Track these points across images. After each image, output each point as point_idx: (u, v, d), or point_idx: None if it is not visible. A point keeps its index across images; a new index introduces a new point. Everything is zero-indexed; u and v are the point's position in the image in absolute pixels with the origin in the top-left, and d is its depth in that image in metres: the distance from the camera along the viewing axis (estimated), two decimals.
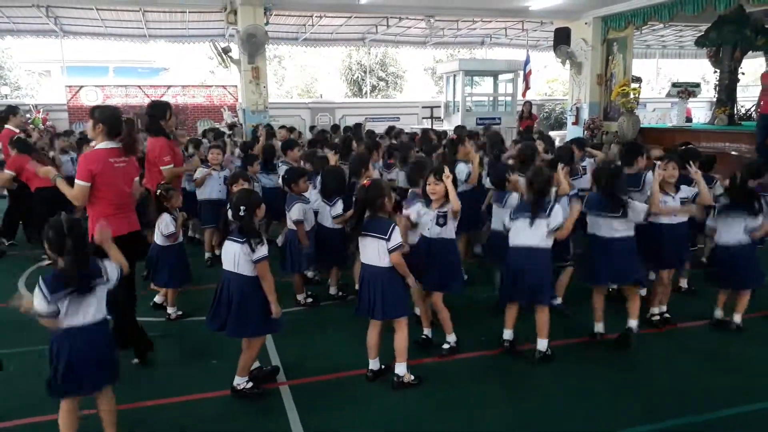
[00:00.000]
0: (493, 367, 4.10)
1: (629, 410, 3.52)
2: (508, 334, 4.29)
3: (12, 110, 7.42)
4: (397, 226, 3.63)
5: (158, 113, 5.33)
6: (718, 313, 4.76)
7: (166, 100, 5.71)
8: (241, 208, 3.47)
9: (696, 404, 3.57)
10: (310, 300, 5.29)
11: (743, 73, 13.08)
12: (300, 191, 5.04)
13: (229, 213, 3.58)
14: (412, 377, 3.81)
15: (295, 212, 4.95)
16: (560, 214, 4.01)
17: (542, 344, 4.12)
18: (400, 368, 3.79)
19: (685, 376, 3.95)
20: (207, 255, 6.58)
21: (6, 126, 7.27)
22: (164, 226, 4.86)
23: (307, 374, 3.98)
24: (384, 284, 3.66)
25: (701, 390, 3.76)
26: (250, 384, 3.69)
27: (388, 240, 3.56)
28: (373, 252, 3.65)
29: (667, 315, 4.80)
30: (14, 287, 5.84)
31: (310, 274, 5.75)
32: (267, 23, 12.34)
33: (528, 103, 13.94)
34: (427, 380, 3.87)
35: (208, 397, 3.70)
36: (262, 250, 3.48)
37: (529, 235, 4.04)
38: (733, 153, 10.32)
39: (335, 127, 12.27)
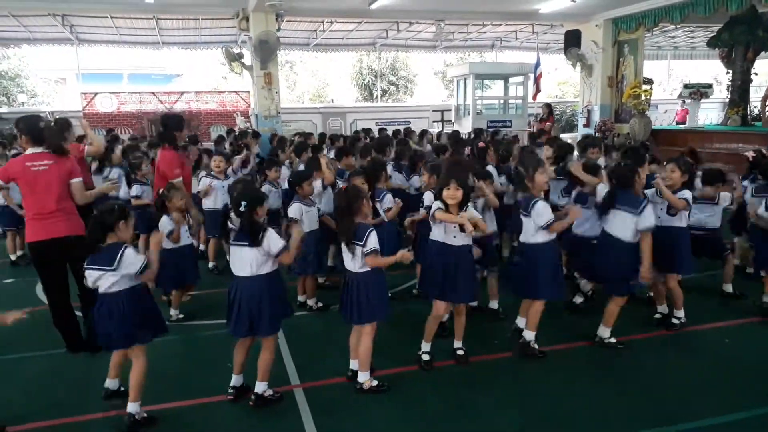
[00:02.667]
0: (505, 370, 4.12)
1: (639, 414, 3.52)
2: (521, 322, 4.38)
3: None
4: (373, 232, 3.61)
5: (174, 125, 5.47)
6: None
7: (179, 113, 5.85)
8: (242, 203, 3.45)
9: (707, 408, 3.57)
10: (320, 305, 5.34)
11: (756, 74, 12.98)
12: (305, 194, 5.07)
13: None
14: (374, 383, 3.81)
15: (292, 211, 4.93)
16: (544, 213, 4.00)
17: (529, 335, 4.22)
18: (362, 377, 3.81)
19: (696, 380, 3.95)
20: (211, 265, 6.62)
21: None
22: (162, 227, 4.93)
23: (320, 377, 4.02)
24: (359, 290, 3.69)
25: (712, 393, 3.75)
26: (271, 391, 3.72)
27: (363, 245, 3.58)
28: (351, 257, 3.68)
29: (675, 320, 4.73)
30: (32, 293, 5.95)
31: (320, 279, 5.79)
32: (279, 29, 12.45)
33: (546, 105, 13.86)
34: (439, 383, 3.90)
35: (222, 400, 3.74)
36: (278, 242, 3.48)
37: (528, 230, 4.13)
38: (746, 154, 10.23)
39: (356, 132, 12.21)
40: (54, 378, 4.11)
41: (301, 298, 5.39)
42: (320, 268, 5.24)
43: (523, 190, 4.16)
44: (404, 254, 3.64)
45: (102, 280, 3.29)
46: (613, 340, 4.40)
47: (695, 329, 4.73)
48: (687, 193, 4.55)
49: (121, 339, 3.37)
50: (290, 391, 3.86)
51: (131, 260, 3.28)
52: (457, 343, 4.21)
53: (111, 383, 3.69)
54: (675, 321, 4.72)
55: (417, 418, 3.52)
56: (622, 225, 4.23)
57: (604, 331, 4.40)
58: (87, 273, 3.30)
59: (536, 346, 4.22)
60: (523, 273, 4.19)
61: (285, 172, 7.27)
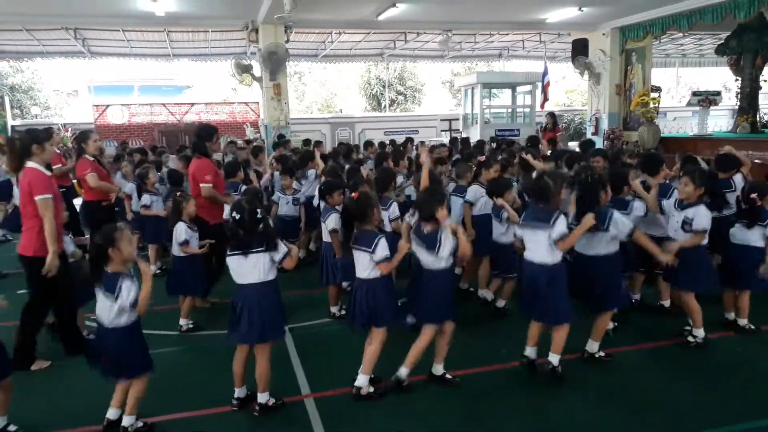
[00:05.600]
0: (515, 380, 4.09)
1: (651, 422, 3.51)
2: (530, 351, 4.16)
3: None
4: (382, 239, 3.68)
5: (205, 135, 5.66)
6: (730, 316, 4.89)
7: (214, 125, 6.05)
8: (259, 210, 3.52)
9: (718, 417, 3.56)
10: (343, 312, 5.34)
11: (765, 81, 12.98)
12: (335, 203, 5.12)
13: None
14: (371, 389, 3.85)
15: (331, 222, 5.00)
16: (563, 224, 3.76)
17: (554, 359, 4.00)
18: (361, 379, 3.84)
19: (708, 389, 3.93)
20: None
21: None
22: (177, 235, 4.96)
23: (331, 386, 4.02)
24: (368, 295, 3.74)
25: (723, 402, 3.73)
26: (273, 399, 3.74)
27: (372, 252, 3.64)
28: (361, 265, 3.76)
29: (691, 338, 4.56)
30: None
31: (345, 284, 5.76)
32: (287, 41, 12.59)
33: (551, 114, 13.87)
34: (448, 394, 3.89)
35: (231, 411, 3.75)
36: (283, 248, 3.57)
37: (537, 249, 3.87)
38: (756, 161, 10.20)
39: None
40: (65, 388, 4.14)
41: (334, 309, 5.41)
42: (347, 279, 5.24)
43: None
44: (403, 245, 3.74)
45: (107, 311, 3.30)
46: (602, 353, 4.31)
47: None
48: (703, 213, 4.31)
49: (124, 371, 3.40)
50: (300, 401, 3.87)
51: (125, 293, 3.23)
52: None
53: (112, 413, 3.54)
54: (691, 339, 4.54)
55: (429, 429, 3.52)
56: (596, 242, 4.11)
57: (592, 345, 4.30)
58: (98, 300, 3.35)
59: (560, 368, 4.02)
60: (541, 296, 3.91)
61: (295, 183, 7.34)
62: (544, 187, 3.82)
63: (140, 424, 3.49)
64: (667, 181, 5.12)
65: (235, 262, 3.55)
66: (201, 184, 5.46)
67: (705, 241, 4.40)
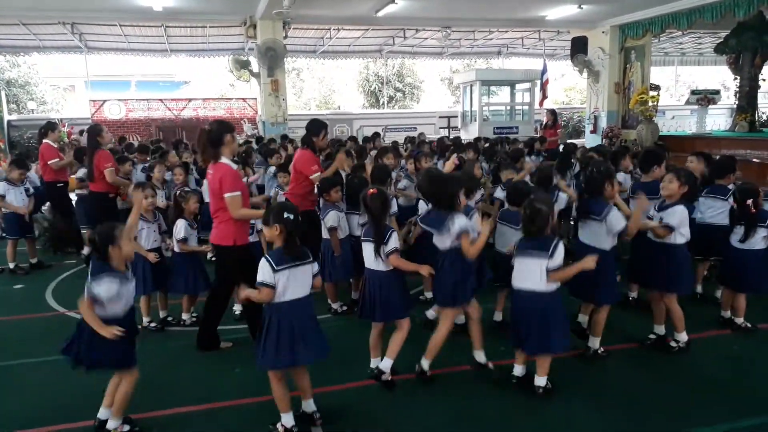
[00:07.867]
0: (510, 378, 3.98)
1: (647, 420, 3.50)
2: (518, 370, 3.93)
3: (51, 126, 7.76)
4: (394, 232, 3.73)
5: (314, 130, 5.74)
6: (726, 314, 4.87)
7: (324, 121, 5.96)
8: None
9: (715, 414, 3.54)
10: (344, 308, 5.35)
11: (764, 80, 12.99)
12: (333, 200, 5.11)
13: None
14: (390, 378, 3.88)
15: (330, 219, 5.00)
16: (561, 255, 3.56)
17: (541, 381, 3.77)
18: (386, 363, 3.88)
19: (705, 387, 3.91)
20: None
21: (45, 141, 7.57)
22: (176, 231, 4.93)
23: (330, 382, 3.99)
24: (383, 287, 3.77)
25: (721, 400, 3.71)
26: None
27: (385, 244, 3.68)
28: (371, 256, 3.78)
29: (673, 343, 4.41)
30: (42, 298, 5.98)
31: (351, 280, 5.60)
32: (286, 36, 12.56)
33: (551, 112, 13.85)
34: (449, 391, 3.87)
35: (231, 405, 3.74)
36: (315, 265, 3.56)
37: (529, 277, 3.64)
38: (754, 160, 10.22)
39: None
40: (64, 383, 4.12)
41: (335, 305, 5.41)
42: (357, 273, 5.18)
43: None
44: (427, 268, 3.74)
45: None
46: (601, 348, 4.27)
47: (701, 336, 4.65)
48: (677, 211, 4.16)
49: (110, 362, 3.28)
50: (298, 396, 3.84)
51: (97, 285, 3.10)
52: (374, 362, 3.98)
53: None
54: (673, 344, 4.38)
55: (426, 426, 3.49)
56: (593, 233, 4.11)
57: (594, 341, 4.26)
58: None
59: (549, 384, 3.82)
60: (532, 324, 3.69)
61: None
62: (537, 214, 3.59)
63: (126, 428, 3.34)
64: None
65: (287, 277, 3.16)
66: (311, 176, 5.52)
67: (681, 241, 4.22)
